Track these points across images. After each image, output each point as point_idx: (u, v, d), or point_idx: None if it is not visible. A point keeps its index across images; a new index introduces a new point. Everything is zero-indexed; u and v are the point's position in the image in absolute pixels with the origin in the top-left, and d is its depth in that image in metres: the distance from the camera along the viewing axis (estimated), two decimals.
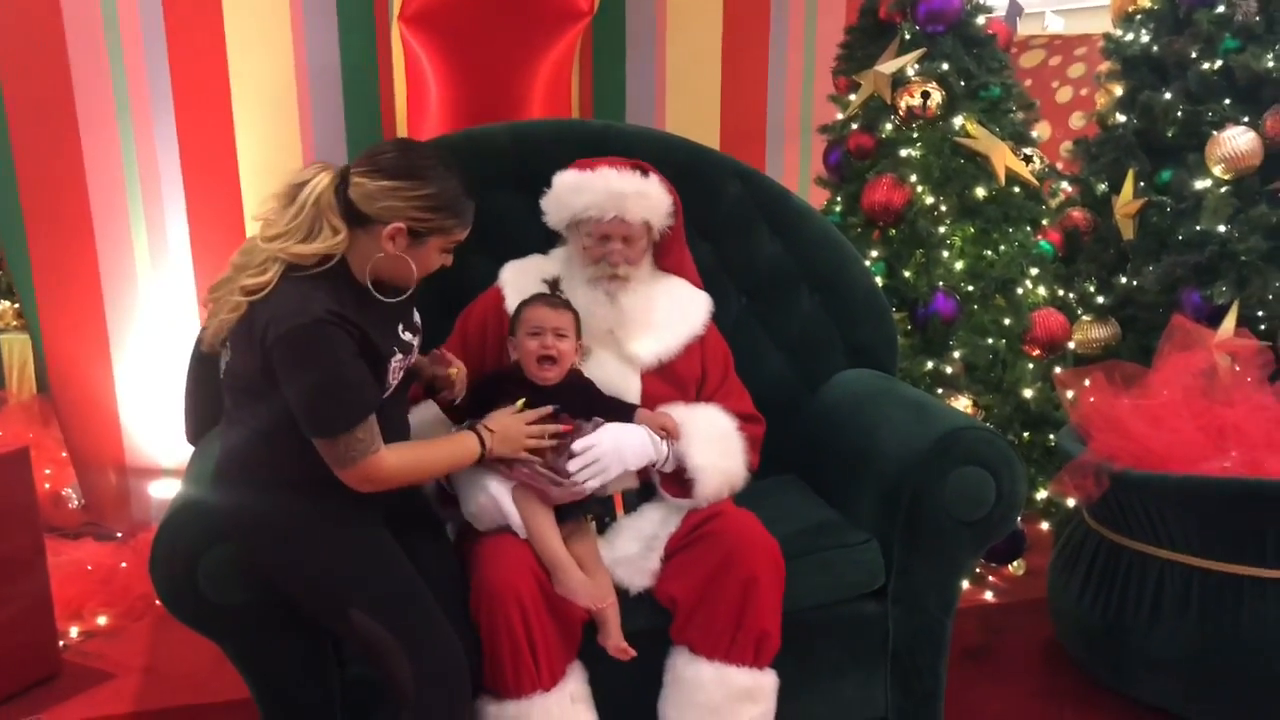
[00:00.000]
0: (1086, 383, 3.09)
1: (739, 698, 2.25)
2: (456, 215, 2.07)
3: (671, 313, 2.57)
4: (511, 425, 2.24)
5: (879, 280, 3.44)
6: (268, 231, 2.00)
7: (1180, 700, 2.76)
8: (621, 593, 2.27)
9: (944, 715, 2.59)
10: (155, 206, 3.91)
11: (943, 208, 3.60)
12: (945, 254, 3.58)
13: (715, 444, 2.43)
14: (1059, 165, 4.31)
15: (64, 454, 4.18)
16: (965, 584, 3.48)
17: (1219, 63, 3.62)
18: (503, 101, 3.74)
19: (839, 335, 3.01)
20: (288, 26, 3.87)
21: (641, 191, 2.47)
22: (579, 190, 2.47)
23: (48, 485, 4.11)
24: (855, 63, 3.87)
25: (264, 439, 2.03)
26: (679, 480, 2.40)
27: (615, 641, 2.23)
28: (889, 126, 3.68)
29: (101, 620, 3.43)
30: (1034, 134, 3.87)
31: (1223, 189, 3.54)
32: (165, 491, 3.96)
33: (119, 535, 3.97)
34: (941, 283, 3.54)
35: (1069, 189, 4.13)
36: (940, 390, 3.52)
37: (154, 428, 4.03)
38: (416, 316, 2.22)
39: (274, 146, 3.92)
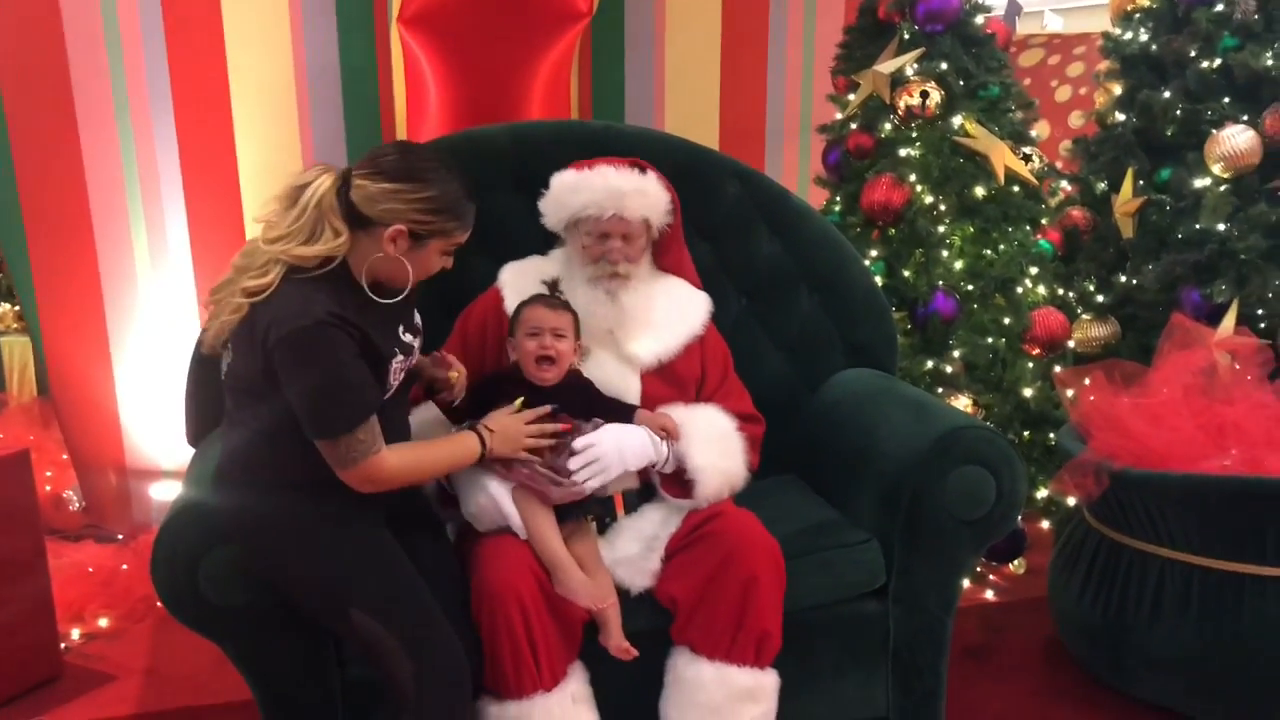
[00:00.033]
0: (1086, 381, 3.10)
1: (740, 697, 2.25)
2: (457, 218, 2.07)
3: (671, 313, 2.57)
4: (511, 425, 2.24)
5: (878, 280, 3.44)
6: (269, 234, 2.01)
7: (1181, 698, 2.77)
8: (622, 593, 2.28)
9: (945, 714, 2.59)
10: (155, 207, 3.91)
11: (942, 207, 3.60)
12: (945, 253, 3.58)
13: (715, 444, 2.43)
14: (1058, 164, 4.31)
15: (65, 456, 4.18)
16: (966, 583, 3.48)
17: (1218, 61, 3.62)
18: (502, 102, 3.74)
19: (838, 335, 3.01)
20: (287, 27, 3.87)
21: (640, 189, 2.47)
22: (577, 189, 2.47)
23: (48, 487, 4.11)
24: (854, 62, 3.87)
25: (266, 440, 2.03)
26: (679, 480, 2.41)
27: (617, 641, 2.23)
28: (888, 126, 3.68)
29: (103, 622, 3.43)
30: (1033, 133, 3.87)
31: (1222, 187, 3.54)
32: (166, 493, 3.96)
33: (120, 537, 3.98)
34: (941, 282, 3.54)
35: (1068, 188, 4.13)
36: (940, 389, 3.52)
37: (154, 429, 4.03)
38: (417, 318, 2.23)
39: (273, 147, 3.92)
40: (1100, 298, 3.90)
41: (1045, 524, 3.87)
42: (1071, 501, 3.13)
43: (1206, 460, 2.75)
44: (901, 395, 2.75)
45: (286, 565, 2.07)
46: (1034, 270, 3.70)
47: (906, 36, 3.65)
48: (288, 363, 1.93)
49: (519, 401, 2.29)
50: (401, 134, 3.89)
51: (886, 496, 2.47)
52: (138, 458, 4.07)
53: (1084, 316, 3.88)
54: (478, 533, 2.31)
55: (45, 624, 3.10)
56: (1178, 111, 3.70)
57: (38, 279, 3.89)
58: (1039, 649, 3.21)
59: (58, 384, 4.01)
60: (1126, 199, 3.74)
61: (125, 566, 3.63)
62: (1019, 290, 3.63)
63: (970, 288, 3.58)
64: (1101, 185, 3.95)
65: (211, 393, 2.32)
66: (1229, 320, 3.31)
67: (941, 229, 3.58)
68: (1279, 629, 2.61)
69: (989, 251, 3.62)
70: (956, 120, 3.59)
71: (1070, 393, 3.19)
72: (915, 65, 3.59)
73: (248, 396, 2.04)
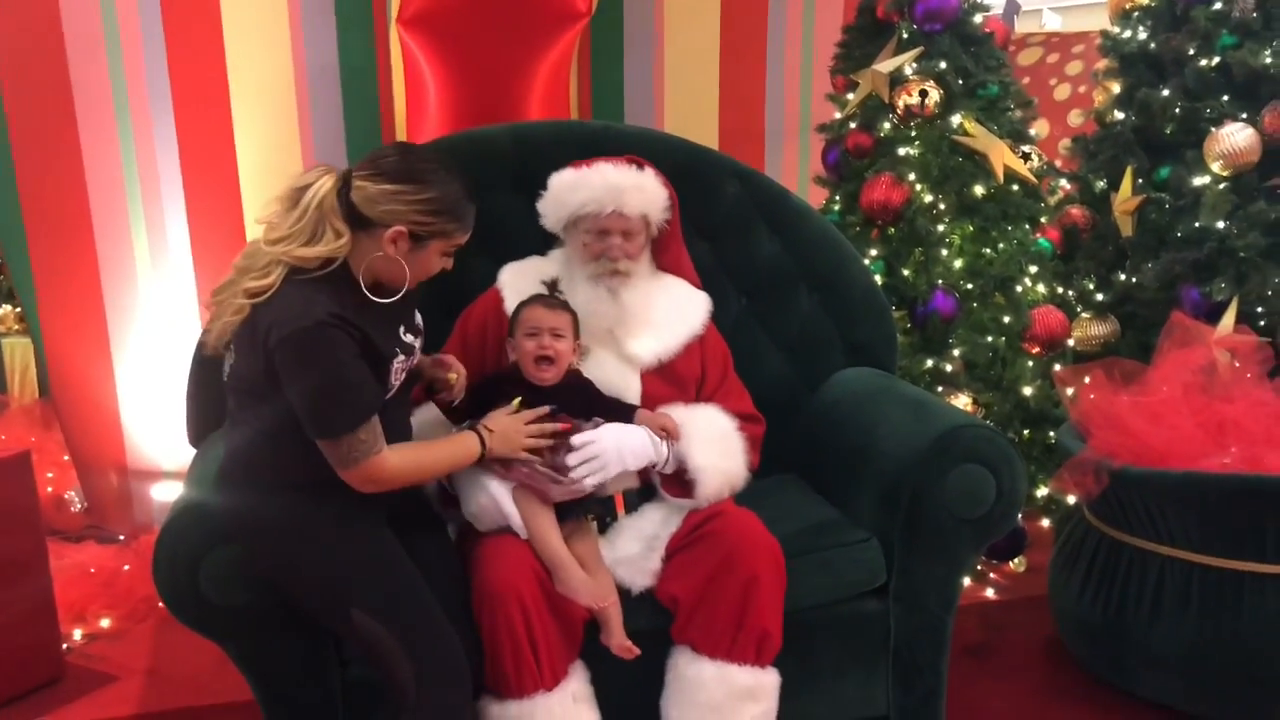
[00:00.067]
0: (1086, 380, 3.10)
1: (741, 696, 2.26)
2: (458, 219, 2.08)
3: (671, 312, 2.58)
4: (509, 425, 2.25)
5: (878, 279, 3.44)
6: (271, 235, 2.01)
7: (1181, 696, 2.77)
8: (623, 592, 2.28)
9: (945, 713, 2.59)
10: (155, 207, 3.91)
11: (941, 206, 3.60)
12: (944, 252, 3.58)
13: (715, 444, 2.43)
14: (1057, 163, 4.32)
15: (66, 457, 4.18)
16: (966, 581, 3.49)
17: (1217, 59, 3.62)
18: (501, 103, 3.74)
19: (838, 334, 3.02)
20: (286, 27, 3.87)
21: (639, 185, 2.48)
22: (576, 187, 2.48)
23: (50, 489, 4.12)
24: (853, 62, 3.87)
25: (268, 440, 2.04)
26: (680, 480, 2.41)
27: (619, 640, 2.23)
28: (887, 125, 3.68)
29: (104, 623, 3.43)
30: (1032, 132, 3.87)
31: (1221, 185, 3.54)
32: (167, 494, 3.96)
33: (121, 538, 3.98)
34: (940, 281, 3.55)
35: (1067, 186, 4.14)
36: (940, 388, 3.52)
37: (155, 430, 4.03)
38: (418, 318, 2.24)
39: (273, 147, 3.92)
40: (1100, 296, 3.91)
41: (1045, 522, 3.87)
42: (1071, 500, 3.13)
43: (1206, 458, 2.75)
44: (901, 394, 2.76)
45: (288, 565, 2.07)
46: (1033, 269, 3.70)
47: (905, 36, 3.65)
48: (289, 363, 1.93)
49: (516, 402, 2.30)
50: (401, 134, 3.90)
51: (887, 495, 2.47)
52: (139, 458, 4.07)
53: (1083, 315, 3.88)
54: (479, 532, 2.32)
55: (47, 625, 3.10)
56: (1177, 110, 3.70)
57: (38, 280, 3.90)
58: (1039, 647, 3.21)
59: (59, 385, 4.02)
60: (1126, 197, 3.74)
61: (127, 567, 3.64)
62: (1018, 289, 3.63)
63: (970, 286, 3.58)
64: (1101, 184, 3.95)
65: (212, 393, 2.32)
66: (1228, 318, 3.31)
67: (941, 228, 3.58)
68: (1279, 627, 2.61)
69: (988, 250, 3.62)
70: (955, 119, 3.59)
71: (1070, 391, 3.19)
72: (914, 64, 3.60)
73: (250, 397, 2.05)
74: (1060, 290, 3.87)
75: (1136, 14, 3.93)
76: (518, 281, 2.56)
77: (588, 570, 2.25)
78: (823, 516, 2.58)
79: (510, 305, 2.49)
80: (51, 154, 3.80)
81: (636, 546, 2.35)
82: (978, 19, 3.69)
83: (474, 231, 2.14)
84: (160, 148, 3.88)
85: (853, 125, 3.79)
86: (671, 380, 2.53)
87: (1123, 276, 3.82)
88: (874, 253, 3.68)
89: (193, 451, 2.54)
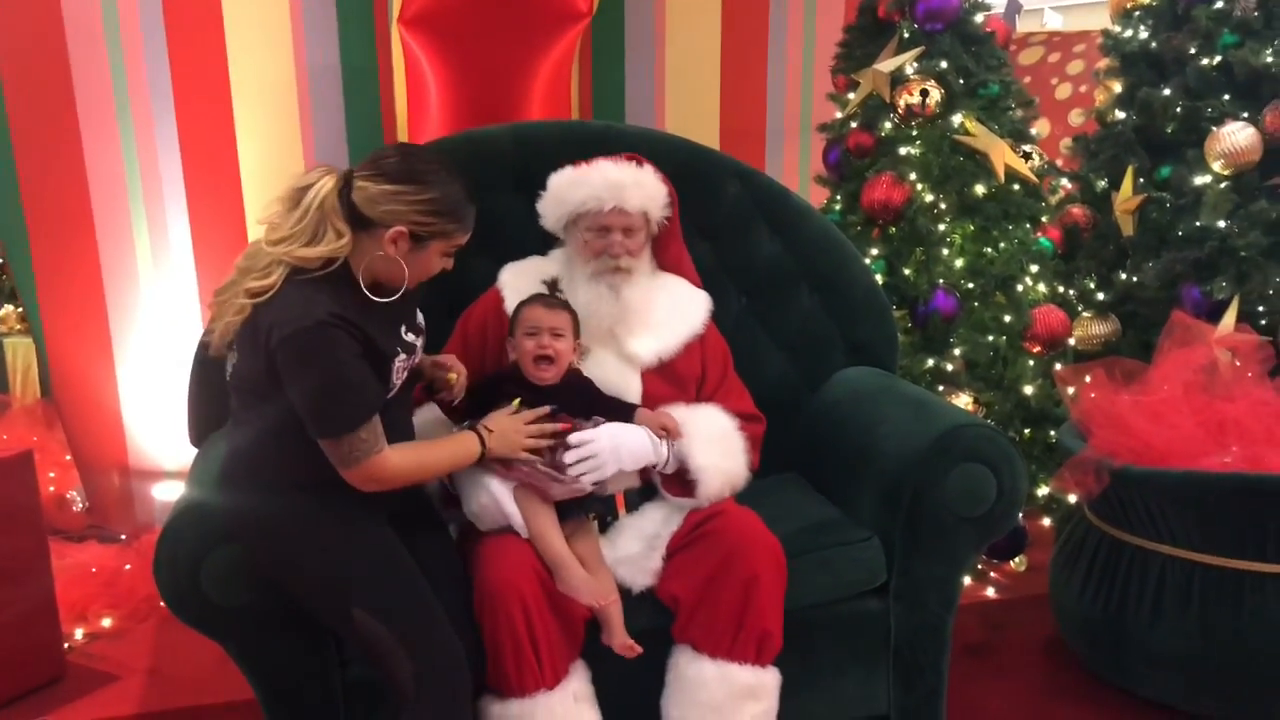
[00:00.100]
0: (1087, 379, 3.10)
1: (741, 695, 2.26)
2: (458, 220, 2.09)
3: (671, 311, 2.58)
4: (509, 426, 2.25)
5: (879, 278, 3.44)
6: (272, 235, 2.02)
7: (1181, 695, 2.77)
8: (624, 592, 2.28)
9: (946, 712, 2.59)
10: (157, 207, 3.91)
11: (942, 205, 3.60)
12: (945, 251, 3.58)
13: (716, 444, 2.43)
14: (1058, 162, 4.31)
15: (68, 457, 4.18)
16: (967, 580, 3.50)
17: (1218, 58, 3.62)
18: (503, 103, 3.74)
19: (839, 334, 3.02)
20: (288, 26, 3.87)
21: (638, 181, 2.49)
22: (576, 185, 2.48)
23: (52, 488, 4.11)
24: (854, 61, 3.87)
25: (270, 440, 2.04)
26: (680, 480, 2.41)
27: (621, 639, 2.24)
28: (888, 125, 3.68)
29: (106, 622, 3.44)
30: (1033, 131, 3.87)
31: (1222, 184, 3.54)
32: (169, 494, 3.96)
33: (123, 537, 3.98)
34: (942, 280, 3.55)
35: (1068, 186, 4.13)
36: (941, 387, 3.52)
37: (157, 430, 4.03)
38: (419, 317, 2.24)
39: (275, 147, 3.93)
40: (1101, 295, 3.91)
41: (1046, 521, 3.87)
42: (1072, 499, 3.14)
43: (1207, 457, 2.75)
44: (902, 393, 2.76)
45: (290, 564, 2.08)
46: (1034, 268, 3.70)
47: (906, 35, 3.65)
48: (290, 363, 1.94)
49: (516, 402, 2.30)
50: (403, 134, 3.90)
51: (887, 495, 2.47)
52: (140, 458, 4.08)
53: (1084, 314, 3.88)
54: (480, 532, 2.32)
55: (48, 624, 3.11)
56: (1178, 109, 3.70)
57: (40, 280, 3.90)
58: (1040, 646, 3.21)
59: (60, 385, 4.02)
60: (1127, 196, 3.74)
61: (128, 567, 3.64)
62: (1019, 288, 3.63)
63: (971, 286, 3.58)
64: (1102, 183, 3.95)
65: (214, 393, 2.33)
66: (1229, 317, 3.31)
67: (942, 227, 3.58)
68: (1279, 626, 2.61)
69: (989, 249, 3.62)
70: (956, 119, 3.59)
71: (1071, 390, 3.19)
72: (915, 64, 3.60)
73: (252, 397, 2.05)
74: (1061, 289, 3.87)
75: (1138, 13, 3.94)
76: (518, 281, 2.56)
77: (589, 569, 2.25)
78: (823, 516, 2.58)
79: (510, 305, 2.49)
80: (53, 154, 3.81)
81: (637, 546, 2.35)
82: (979, 18, 3.69)
83: (475, 232, 2.15)
84: (162, 147, 3.88)
85: (854, 125, 3.79)
86: (672, 379, 2.53)
87: (1124, 276, 3.82)
88: (875, 252, 3.68)
89: (194, 451, 2.55)
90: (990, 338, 3.59)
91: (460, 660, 2.06)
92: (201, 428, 2.58)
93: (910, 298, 3.59)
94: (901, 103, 3.57)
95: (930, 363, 3.56)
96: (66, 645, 3.23)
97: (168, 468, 4.03)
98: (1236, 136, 3.46)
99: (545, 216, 2.56)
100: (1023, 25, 6.97)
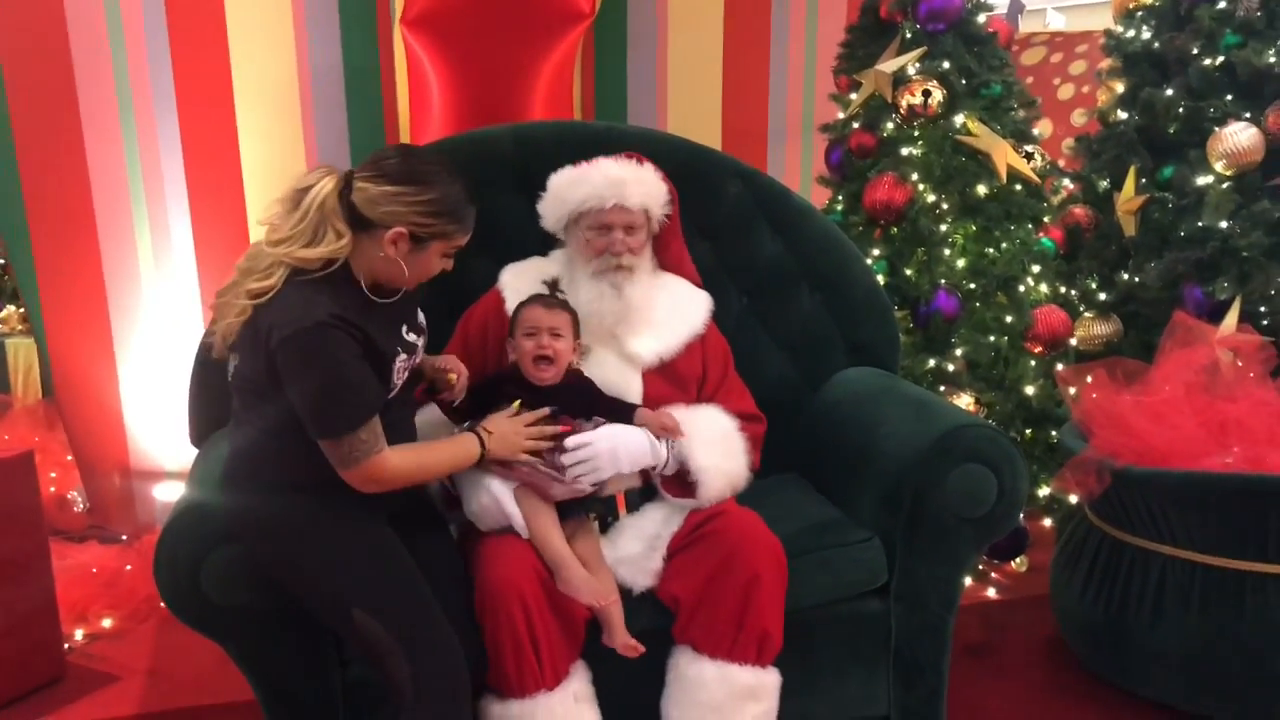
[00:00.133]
0: (1088, 379, 3.09)
1: (742, 696, 2.26)
2: (458, 221, 2.09)
3: (672, 311, 2.58)
4: (509, 427, 2.25)
5: (880, 278, 3.44)
6: (272, 236, 2.03)
7: (1182, 696, 2.76)
8: (624, 592, 2.28)
9: (946, 712, 2.59)
10: (159, 208, 3.92)
11: (944, 206, 3.59)
12: (947, 252, 3.58)
13: (717, 445, 2.43)
14: (1060, 162, 4.31)
15: (69, 457, 4.19)
16: (968, 581, 3.49)
17: (1220, 59, 3.62)
18: (504, 103, 3.74)
19: (840, 334, 3.01)
20: (290, 27, 3.87)
21: (639, 178, 2.49)
22: (577, 183, 2.48)
23: (53, 489, 4.12)
24: (856, 62, 3.86)
25: (270, 440, 2.05)
26: (682, 481, 2.41)
27: (623, 639, 2.23)
28: (890, 125, 3.67)
29: (106, 623, 3.44)
30: (1035, 131, 3.86)
31: (1224, 185, 3.54)
32: (170, 494, 3.96)
33: (124, 538, 3.99)
34: (943, 280, 3.54)
35: (1070, 186, 4.13)
36: (942, 388, 3.52)
37: (158, 430, 4.03)
38: (421, 317, 2.25)
39: (277, 147, 3.93)
40: (1102, 295, 3.90)
41: (1047, 522, 3.86)
42: (1073, 499, 3.13)
43: (1208, 458, 2.75)
44: (903, 394, 2.76)
45: (290, 564, 2.08)
46: (1036, 268, 3.69)
47: (908, 35, 3.64)
48: (290, 364, 1.94)
49: (516, 404, 2.30)
50: (405, 135, 3.90)
51: (888, 495, 2.47)
52: (142, 459, 4.08)
53: (1086, 314, 3.88)
54: (480, 532, 2.32)
55: (49, 625, 3.11)
56: (1180, 109, 3.70)
57: (42, 280, 3.90)
58: (1041, 647, 3.21)
59: (62, 385, 4.02)
60: (1129, 197, 3.74)
61: (129, 567, 3.64)
62: (1021, 288, 3.62)
63: (972, 286, 3.58)
64: (1104, 183, 3.95)
65: (214, 393, 2.34)
66: (1231, 318, 3.31)
67: (944, 228, 3.58)
68: None
69: (991, 250, 3.62)
70: (959, 119, 3.59)
71: (1072, 391, 3.18)
72: (917, 64, 3.59)
73: (253, 397, 2.06)
74: (1063, 290, 3.86)
75: (1140, 13, 3.93)
76: (518, 282, 2.56)
77: (589, 569, 2.25)
78: (824, 516, 2.58)
79: (511, 306, 2.49)
80: (56, 154, 3.81)
81: (638, 546, 2.35)
82: (981, 19, 3.68)
83: (475, 232, 2.15)
84: (164, 148, 3.89)
85: (856, 125, 3.79)
86: (672, 379, 2.53)
87: (1125, 276, 3.82)
88: (877, 252, 3.67)
89: (195, 451, 2.55)
90: (992, 338, 3.58)
91: (460, 661, 2.06)
92: (202, 428, 2.59)
93: (912, 298, 3.58)
94: (904, 103, 3.56)
95: (932, 363, 3.55)
96: (67, 646, 3.23)
97: (169, 468, 4.03)
98: (1239, 137, 3.46)
99: (545, 217, 2.56)
100: (1025, 25, 6.98)
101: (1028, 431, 3.68)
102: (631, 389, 2.47)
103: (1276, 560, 2.62)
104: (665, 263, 2.65)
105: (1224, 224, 3.50)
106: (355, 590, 2.05)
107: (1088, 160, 4.06)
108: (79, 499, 4.19)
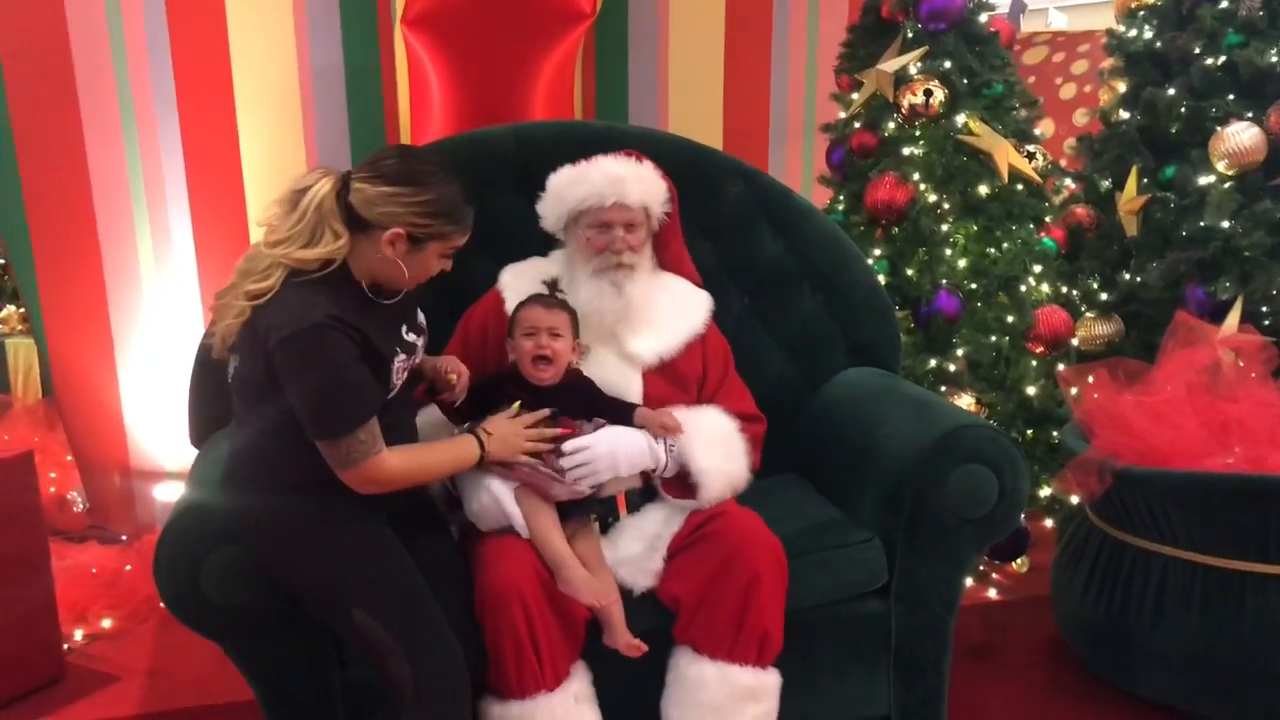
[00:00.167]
0: (1090, 379, 3.09)
1: (742, 697, 2.25)
2: (455, 221, 2.08)
3: (672, 311, 2.58)
4: (509, 429, 2.25)
5: (882, 278, 3.43)
6: (271, 237, 2.03)
7: (1183, 697, 2.76)
8: (624, 593, 2.28)
9: (947, 713, 2.59)
10: (159, 209, 3.92)
11: (946, 206, 3.59)
12: (948, 252, 3.57)
13: (718, 446, 2.43)
14: (1062, 162, 4.30)
15: (69, 458, 4.19)
16: (968, 581, 3.49)
17: (1222, 58, 3.62)
18: (505, 103, 3.74)
19: (841, 334, 3.01)
20: (291, 27, 3.87)
21: (638, 175, 2.49)
22: (576, 182, 2.48)
23: (53, 489, 4.13)
24: (858, 61, 3.86)
25: (270, 441, 2.05)
26: (682, 483, 2.40)
27: (625, 639, 2.23)
28: (891, 125, 3.67)
29: (106, 623, 3.44)
30: (1037, 131, 3.85)
31: (1226, 185, 3.53)
32: (170, 494, 3.96)
33: (124, 538, 3.99)
34: (944, 280, 3.53)
35: (1072, 186, 4.12)
36: (943, 388, 3.51)
37: (158, 431, 4.04)
38: (420, 317, 2.25)
39: (278, 148, 3.93)
40: (1104, 295, 3.90)
41: (1048, 522, 3.85)
42: (1074, 500, 3.13)
43: (1210, 458, 2.75)
44: (904, 394, 2.75)
45: (290, 564, 2.08)
46: (1038, 268, 3.68)
47: (910, 35, 3.64)
48: (288, 365, 1.94)
49: (516, 405, 2.29)
50: (405, 135, 3.90)
51: (889, 495, 2.47)
52: (142, 459, 4.08)
53: (1088, 314, 3.88)
54: (481, 532, 2.31)
55: (48, 625, 3.11)
56: (1182, 109, 3.70)
57: (42, 281, 3.91)
58: (1042, 647, 3.20)
59: (62, 386, 4.02)
60: (1131, 196, 3.74)
61: (129, 567, 3.64)
62: (1022, 288, 3.62)
63: (974, 286, 3.57)
64: (1106, 183, 3.95)
65: (214, 394, 2.34)
66: (1233, 318, 3.30)
67: (945, 227, 3.57)
68: None
69: (992, 250, 3.61)
70: (960, 119, 3.58)
71: (1073, 391, 3.17)
72: (919, 64, 3.58)
73: (252, 398, 2.06)
74: (1064, 290, 3.86)
75: (1142, 13, 3.93)
76: (518, 282, 2.56)
77: (590, 570, 2.25)
78: (825, 516, 2.57)
79: (511, 306, 2.49)
80: (56, 155, 3.81)
81: (638, 546, 2.34)
82: (983, 18, 3.67)
83: (475, 232, 2.15)
84: (165, 149, 3.89)
85: (857, 125, 3.78)
86: (673, 379, 2.53)
87: (1127, 276, 3.82)
88: (878, 252, 3.67)
89: (195, 452, 2.54)
90: (993, 338, 3.58)
91: (459, 661, 2.06)
92: (202, 428, 2.59)
93: (913, 298, 3.58)
94: (905, 103, 3.55)
95: (933, 363, 3.55)
96: (66, 646, 3.23)
97: (169, 468, 4.03)
98: (1241, 136, 3.45)
99: (545, 217, 2.56)
100: (1027, 25, 6.98)
101: (1029, 432, 3.67)
102: (631, 389, 2.47)
103: (1277, 561, 2.61)
104: (665, 262, 2.64)
105: (1226, 224, 3.50)
106: (355, 590, 2.04)
107: (1089, 160, 4.06)
108: (79, 499, 4.19)
